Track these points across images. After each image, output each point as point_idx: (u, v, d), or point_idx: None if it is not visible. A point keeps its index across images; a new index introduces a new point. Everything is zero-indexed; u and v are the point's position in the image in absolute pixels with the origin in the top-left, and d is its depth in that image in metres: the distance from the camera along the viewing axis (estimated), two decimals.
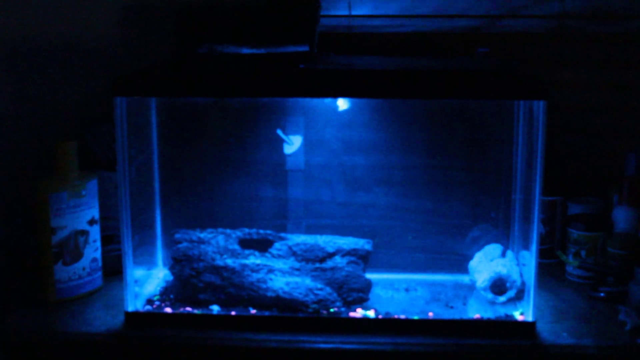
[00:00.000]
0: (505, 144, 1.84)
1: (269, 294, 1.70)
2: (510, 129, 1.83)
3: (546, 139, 1.59)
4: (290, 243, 1.79)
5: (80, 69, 2.13)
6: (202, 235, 1.80)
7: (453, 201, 1.89)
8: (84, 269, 1.81)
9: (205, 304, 1.72)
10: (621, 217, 1.88)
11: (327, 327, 1.67)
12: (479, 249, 1.86)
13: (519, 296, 1.73)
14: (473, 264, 1.83)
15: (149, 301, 1.76)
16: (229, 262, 1.74)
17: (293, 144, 1.88)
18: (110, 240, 1.91)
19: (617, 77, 2.08)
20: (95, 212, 1.83)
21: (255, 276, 1.72)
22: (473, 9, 2.07)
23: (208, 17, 1.86)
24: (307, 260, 1.76)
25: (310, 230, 1.89)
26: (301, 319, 1.68)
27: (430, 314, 1.70)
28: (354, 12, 2.07)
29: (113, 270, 1.87)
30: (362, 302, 1.72)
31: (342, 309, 1.70)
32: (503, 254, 1.84)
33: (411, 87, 1.63)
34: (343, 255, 1.77)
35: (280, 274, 1.73)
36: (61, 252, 1.78)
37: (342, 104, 1.83)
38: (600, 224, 1.89)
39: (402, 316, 1.68)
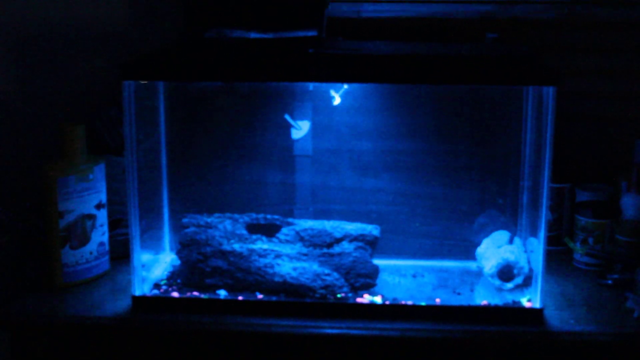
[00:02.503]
0: (513, 130, 1.84)
1: (276, 279, 1.70)
2: (519, 115, 1.83)
3: (555, 125, 1.59)
4: (297, 228, 1.79)
5: (88, 52, 2.13)
6: (209, 219, 1.80)
7: (461, 187, 1.89)
8: (91, 253, 1.82)
9: (213, 288, 1.72)
10: (629, 204, 1.88)
11: (334, 312, 1.67)
12: (486, 236, 1.86)
13: (527, 283, 1.73)
14: (481, 250, 1.83)
15: (156, 285, 1.76)
16: (237, 247, 1.74)
17: (301, 129, 1.88)
18: (117, 224, 1.91)
19: (627, 63, 2.07)
20: (102, 196, 1.83)
21: (262, 261, 1.72)
22: None
23: (217, 1, 1.85)
24: (314, 245, 1.76)
25: (318, 215, 1.89)
26: (308, 304, 1.68)
27: (438, 300, 1.70)
28: None
29: (120, 254, 1.87)
30: (369, 287, 1.72)
31: (349, 295, 1.70)
32: (511, 241, 1.84)
33: (420, 72, 1.63)
34: (350, 241, 1.77)
35: (288, 259, 1.73)
36: (68, 236, 1.78)
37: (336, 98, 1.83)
38: (608, 211, 1.88)
39: (409, 302, 1.68)
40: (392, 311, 1.67)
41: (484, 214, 1.89)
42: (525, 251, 1.80)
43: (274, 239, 1.78)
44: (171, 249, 1.91)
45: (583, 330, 1.61)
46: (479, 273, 1.83)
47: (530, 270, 1.73)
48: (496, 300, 1.71)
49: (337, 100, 1.82)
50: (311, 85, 1.84)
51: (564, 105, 1.67)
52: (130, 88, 1.65)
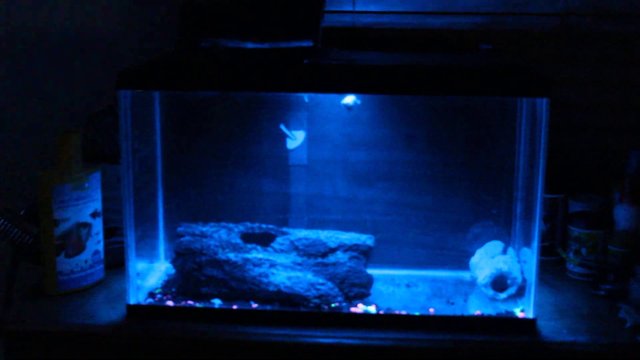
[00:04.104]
0: (507, 141, 1.85)
1: (271, 288, 1.71)
2: (512, 126, 1.83)
3: (548, 136, 1.60)
4: (292, 238, 1.79)
5: (84, 61, 2.14)
6: (204, 229, 1.80)
7: (455, 198, 1.89)
8: (86, 261, 1.82)
9: (207, 297, 1.73)
10: (622, 215, 1.88)
11: (328, 322, 1.67)
12: (480, 246, 1.86)
13: (520, 293, 1.74)
14: (474, 260, 1.84)
15: (151, 294, 1.76)
16: (231, 256, 1.74)
17: (296, 139, 1.89)
18: (112, 232, 1.91)
19: (619, 74, 2.08)
20: (98, 205, 1.83)
21: (257, 270, 1.73)
22: (477, 6, 2.07)
23: (212, 11, 1.86)
24: (309, 255, 1.77)
25: (313, 225, 1.89)
26: (302, 313, 1.68)
27: (431, 310, 1.71)
28: (357, 8, 2.07)
29: (115, 262, 1.87)
30: (363, 297, 1.73)
31: (344, 304, 1.71)
32: (504, 251, 1.85)
33: (415, 83, 1.63)
34: (345, 251, 1.77)
35: (282, 269, 1.74)
36: (64, 244, 1.79)
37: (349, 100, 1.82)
38: (601, 222, 1.89)
39: (403, 312, 1.69)
40: (386, 321, 1.67)
41: (477, 224, 1.89)
42: (519, 261, 1.80)
43: (269, 249, 1.78)
44: (166, 258, 1.92)
45: (576, 341, 1.62)
46: (472, 283, 1.83)
47: (524, 280, 1.74)
48: (489, 310, 1.71)
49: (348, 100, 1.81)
50: (306, 97, 1.85)
51: (558, 116, 1.68)
52: (126, 97, 1.65)
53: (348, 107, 1.79)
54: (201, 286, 1.73)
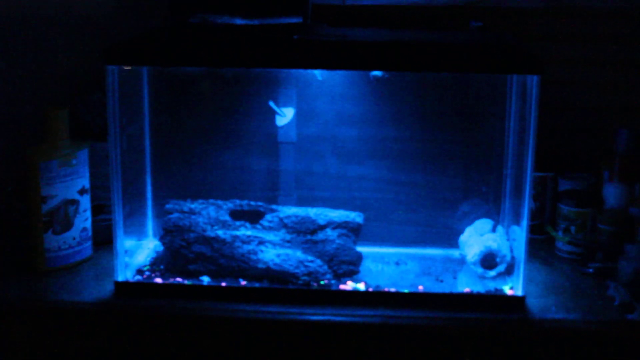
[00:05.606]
0: (497, 119, 1.84)
1: (260, 265, 1.70)
2: (502, 104, 1.83)
3: (539, 114, 1.59)
4: (281, 215, 1.79)
5: (72, 36, 2.12)
6: (193, 206, 1.79)
7: (444, 175, 1.89)
8: (74, 238, 1.81)
9: (196, 274, 1.72)
10: (611, 193, 1.88)
11: (317, 299, 1.67)
12: (469, 224, 1.86)
13: (509, 271, 1.74)
14: (463, 238, 1.84)
15: (139, 271, 1.76)
16: (220, 233, 1.74)
17: (285, 115, 1.88)
18: (100, 210, 1.90)
19: (609, 53, 2.08)
20: (85, 182, 1.82)
21: (245, 247, 1.72)
22: None
23: None
24: (298, 232, 1.77)
25: (302, 202, 1.89)
26: (291, 290, 1.68)
27: (420, 288, 1.71)
28: None
29: (103, 240, 1.87)
30: (352, 274, 1.73)
31: (333, 282, 1.71)
32: (493, 229, 1.84)
33: (405, 60, 1.63)
34: (334, 228, 1.77)
35: (271, 246, 1.73)
36: (51, 221, 1.78)
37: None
38: (590, 200, 1.89)
39: (392, 289, 1.69)
40: (375, 298, 1.67)
41: (467, 202, 1.89)
42: (508, 239, 1.81)
43: (258, 226, 1.78)
44: (154, 235, 1.91)
45: (564, 318, 1.62)
46: (461, 261, 1.83)
47: (513, 258, 1.74)
48: (478, 287, 1.71)
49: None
50: (319, 74, 1.83)
51: (547, 94, 1.68)
52: (114, 73, 1.64)
53: (377, 79, 1.77)
54: (189, 263, 1.73)
